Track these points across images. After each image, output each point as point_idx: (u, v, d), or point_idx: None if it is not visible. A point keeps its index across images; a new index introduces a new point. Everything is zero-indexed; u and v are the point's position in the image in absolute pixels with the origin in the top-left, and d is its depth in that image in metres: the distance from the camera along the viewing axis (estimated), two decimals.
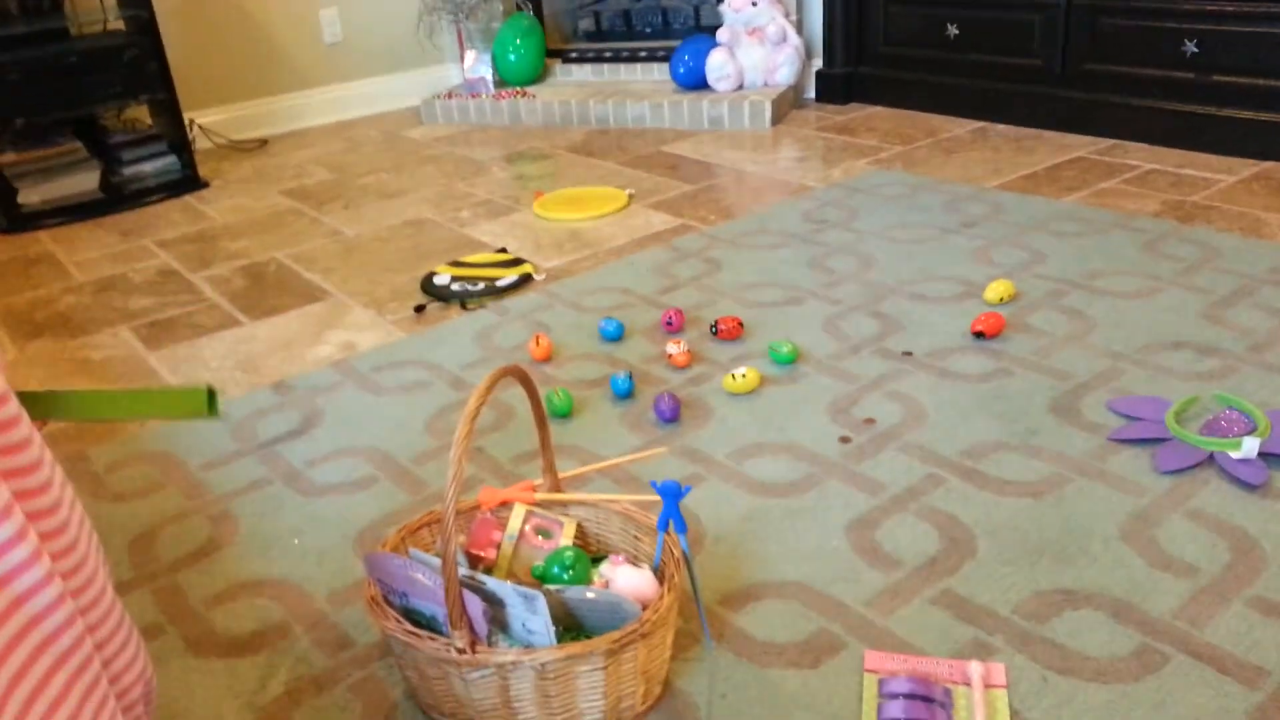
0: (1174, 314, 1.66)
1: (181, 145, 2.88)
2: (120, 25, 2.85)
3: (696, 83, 3.25)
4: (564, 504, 1.10)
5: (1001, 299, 1.73)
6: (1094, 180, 2.33)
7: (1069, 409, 1.42)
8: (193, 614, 1.16)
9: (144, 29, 2.76)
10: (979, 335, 1.62)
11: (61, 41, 2.78)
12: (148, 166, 2.87)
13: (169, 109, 2.85)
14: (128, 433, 1.59)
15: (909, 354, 1.60)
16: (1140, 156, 2.46)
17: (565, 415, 1.52)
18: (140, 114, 3.08)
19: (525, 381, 1.01)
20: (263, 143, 3.41)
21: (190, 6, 3.27)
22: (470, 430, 0.88)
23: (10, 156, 2.76)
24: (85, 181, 2.81)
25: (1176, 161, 2.40)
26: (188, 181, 2.89)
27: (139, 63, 2.76)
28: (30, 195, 2.73)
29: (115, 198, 2.80)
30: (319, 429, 1.55)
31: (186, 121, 2.91)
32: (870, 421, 1.43)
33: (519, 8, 3.59)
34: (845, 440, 1.39)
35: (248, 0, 3.38)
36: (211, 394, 1.25)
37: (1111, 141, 2.58)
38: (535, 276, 2.08)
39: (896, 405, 1.46)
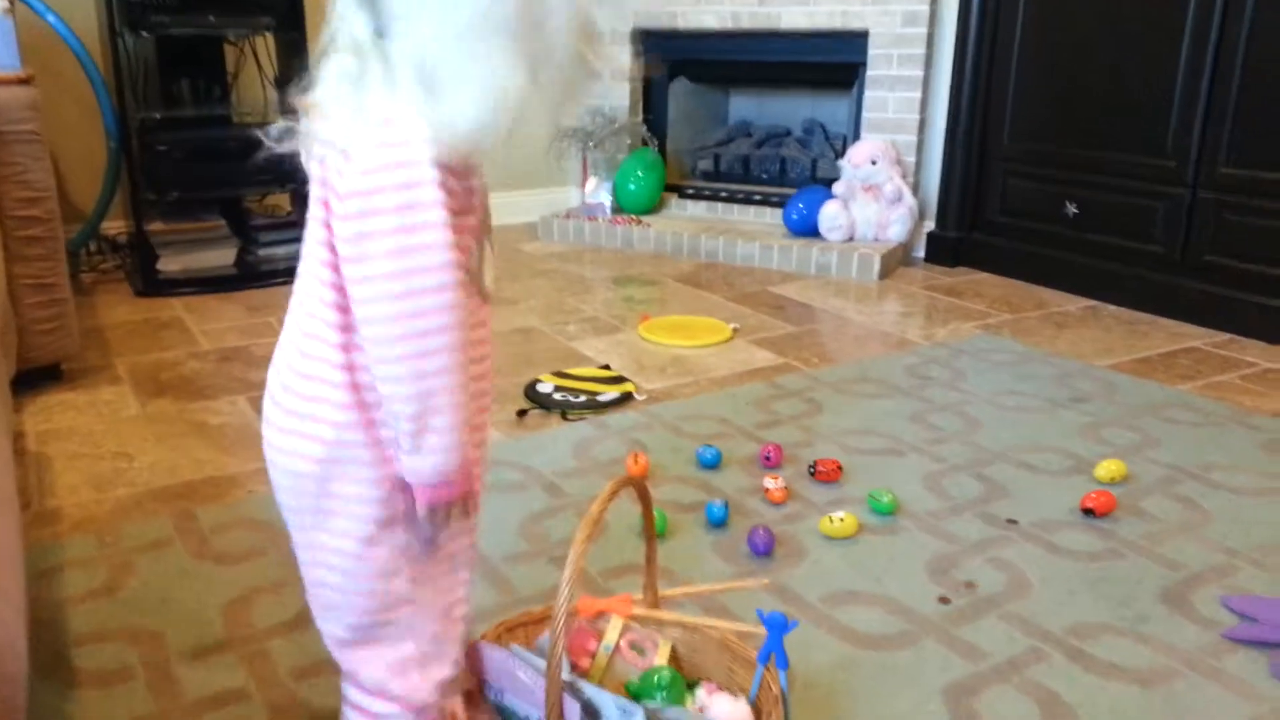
0: None
1: None
2: (277, 120, 3.07)
3: (808, 230, 3.32)
4: (661, 622, 1.09)
5: (1113, 478, 1.69)
6: (1209, 372, 2.29)
7: (1181, 599, 1.37)
8: (279, 684, 1.17)
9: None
10: (1088, 512, 1.58)
11: (224, 127, 3.00)
12: (280, 250, 3.04)
13: (307, 200, 3.03)
14: (234, 498, 1.64)
15: (1014, 522, 1.57)
16: (1258, 354, 2.42)
17: (659, 536, 1.51)
18: (281, 201, 3.28)
19: (644, 496, 1.02)
20: None
21: None
22: (591, 534, 0.89)
23: (158, 226, 2.95)
24: (222, 257, 2.99)
25: None
26: None
27: (289, 155, 2.95)
28: (170, 264, 2.90)
29: (247, 275, 2.96)
30: None
31: None
32: (971, 585, 1.39)
33: (645, 143, 3.76)
34: (944, 601, 1.35)
35: None
36: None
37: (1229, 335, 2.54)
38: (636, 396, 2.11)
39: (999, 573, 1.43)
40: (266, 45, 3.14)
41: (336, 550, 0.84)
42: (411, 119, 0.74)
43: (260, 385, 0.90)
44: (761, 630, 0.97)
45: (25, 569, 1.04)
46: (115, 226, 3.15)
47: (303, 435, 0.82)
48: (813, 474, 1.71)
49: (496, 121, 0.75)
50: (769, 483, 1.65)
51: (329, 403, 0.81)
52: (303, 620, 1.29)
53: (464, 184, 0.78)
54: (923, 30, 3.18)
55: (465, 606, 0.91)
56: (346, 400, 0.80)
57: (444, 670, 0.89)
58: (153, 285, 2.84)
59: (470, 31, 0.73)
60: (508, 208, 3.94)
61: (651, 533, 1.07)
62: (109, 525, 1.54)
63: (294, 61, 2.95)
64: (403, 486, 0.82)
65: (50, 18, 2.79)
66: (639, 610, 1.09)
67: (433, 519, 0.83)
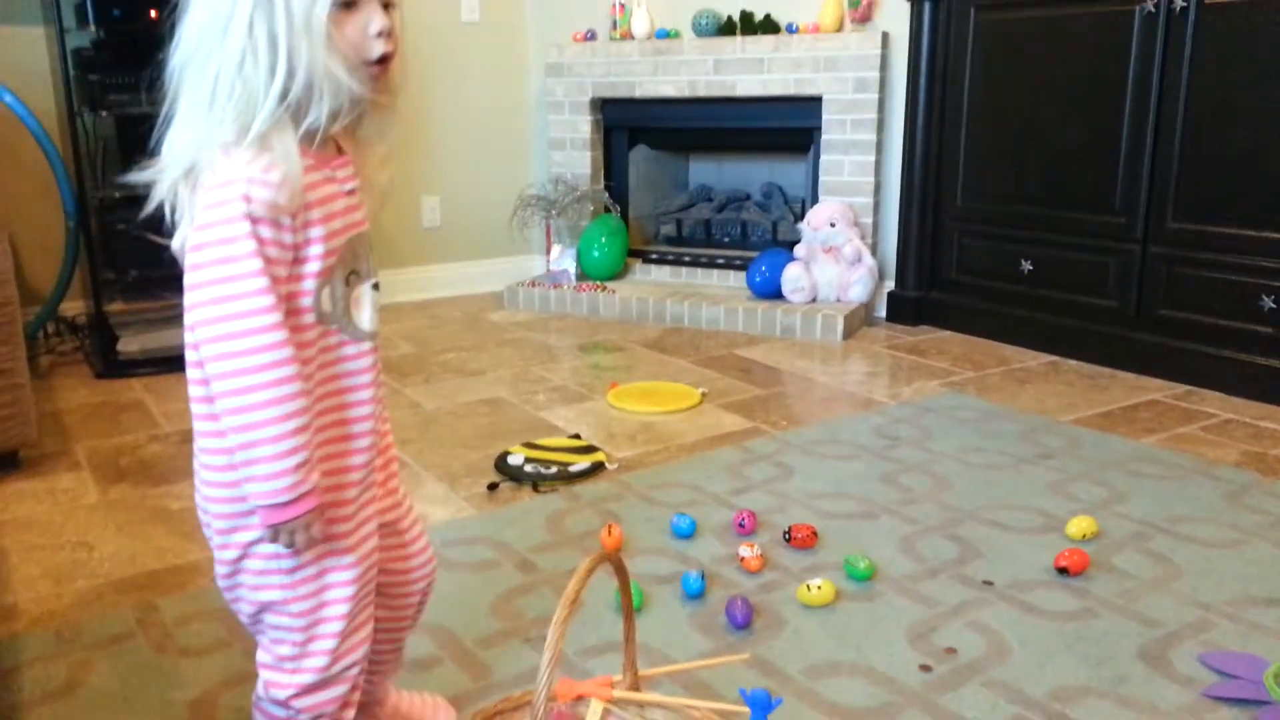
0: (1264, 569, 1.62)
1: None
2: None
3: (771, 292, 3.36)
4: (643, 705, 1.07)
5: (1084, 535, 1.70)
6: (1171, 424, 2.32)
7: (1159, 658, 1.37)
8: None
9: None
10: (1062, 571, 1.58)
11: None
12: None
13: None
14: (198, 586, 1.60)
15: (990, 583, 1.57)
16: (1217, 405, 2.46)
17: (635, 610, 1.49)
18: None
19: (621, 572, 1.01)
20: None
21: None
22: (569, 615, 0.88)
23: (119, 306, 2.91)
24: (182, 335, 2.94)
25: (1255, 413, 2.39)
26: None
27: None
28: (130, 344, 2.86)
29: None
30: None
31: None
32: (951, 651, 1.38)
33: (607, 210, 3.79)
34: (926, 669, 1.34)
35: None
36: None
37: (1187, 387, 2.59)
38: (607, 465, 2.10)
39: (978, 636, 1.42)
40: None
41: (218, 558, 0.96)
42: (231, 175, 0.85)
43: None
44: (745, 709, 0.95)
45: None
46: (73, 307, 3.11)
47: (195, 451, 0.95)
48: (788, 540, 1.71)
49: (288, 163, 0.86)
50: (744, 551, 1.64)
51: (199, 417, 0.93)
52: None
53: (300, 234, 0.88)
54: (874, 96, 3.26)
55: (353, 634, 0.99)
56: (206, 429, 0.92)
57: (307, 678, 0.97)
58: (112, 366, 2.80)
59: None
60: (472, 277, 3.95)
61: (629, 610, 1.06)
62: (68, 620, 1.49)
63: None
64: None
65: (7, 98, 2.78)
66: (619, 693, 1.07)
67: (275, 538, 0.91)
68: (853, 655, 1.38)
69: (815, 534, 1.71)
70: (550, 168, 3.90)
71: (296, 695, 0.97)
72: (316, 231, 0.89)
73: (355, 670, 1.00)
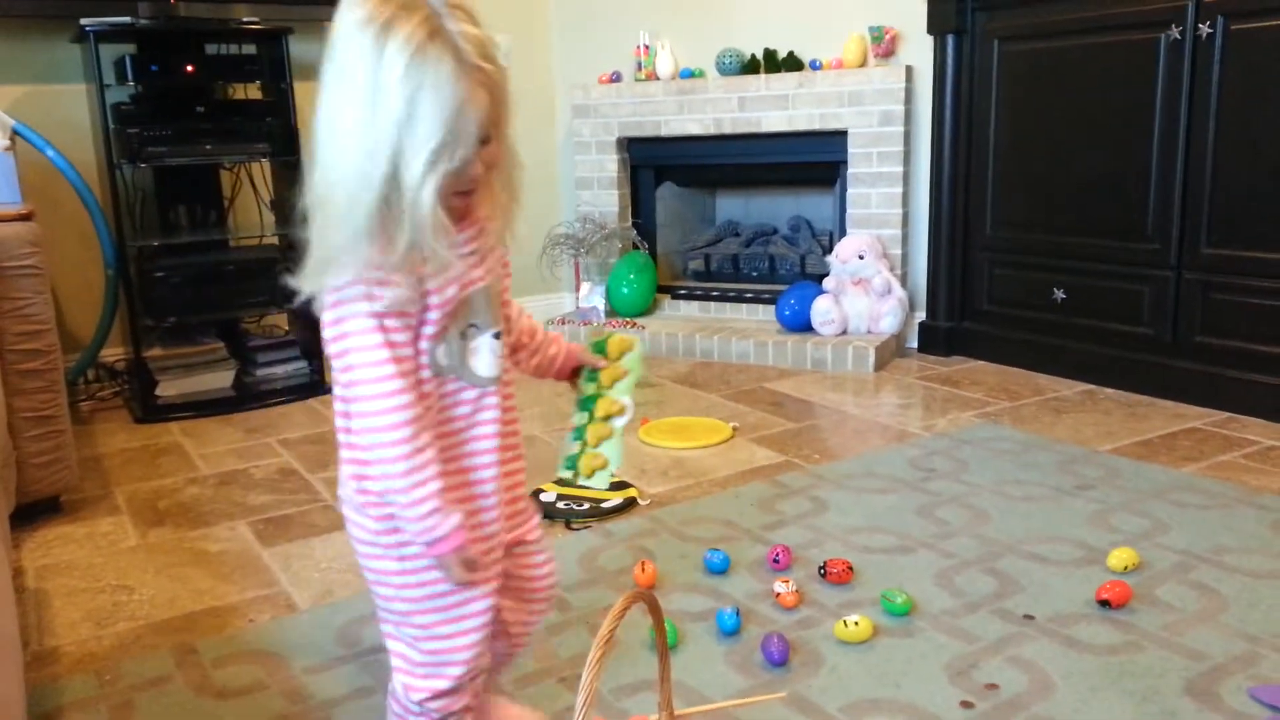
0: None
1: (313, 352, 3.07)
2: (274, 240, 3.12)
3: (801, 326, 3.35)
4: None
5: (1126, 567, 1.67)
6: (1212, 452, 2.28)
7: (1207, 692, 1.34)
8: None
9: (294, 245, 3.00)
10: (1104, 604, 1.55)
11: (221, 251, 3.05)
12: (279, 369, 3.05)
13: (305, 318, 3.05)
14: (235, 628, 1.61)
15: (1030, 617, 1.54)
16: (1259, 432, 2.42)
17: (670, 647, 1.48)
18: (279, 320, 3.31)
19: (655, 610, 1.01)
20: None
21: None
22: (604, 655, 0.87)
23: (157, 351, 2.97)
24: (220, 379, 2.99)
25: None
26: (313, 386, 3.05)
27: (286, 275, 2.98)
28: (168, 389, 2.90)
29: (245, 396, 2.96)
30: None
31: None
32: (993, 687, 1.36)
33: (635, 247, 3.82)
34: (967, 705, 1.32)
35: None
36: None
37: (1227, 414, 2.55)
38: (640, 501, 2.10)
39: (1020, 672, 1.40)
40: (262, 169, 3.22)
41: (373, 570, 1.06)
42: (349, 274, 0.95)
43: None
44: None
45: (25, 715, 1.01)
46: (113, 354, 3.17)
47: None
48: (823, 575, 1.69)
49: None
50: (779, 586, 1.63)
51: (346, 464, 1.05)
52: None
53: (420, 303, 0.98)
54: (899, 129, 3.27)
55: (472, 649, 1.07)
56: (351, 472, 1.04)
57: (439, 684, 1.07)
58: (151, 411, 2.84)
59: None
60: None
61: (664, 649, 1.05)
62: (109, 663, 1.51)
63: (289, 184, 3.01)
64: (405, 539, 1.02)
65: (50, 152, 2.85)
66: None
67: (441, 569, 1.01)
68: (892, 692, 1.36)
69: (851, 569, 1.70)
70: (578, 207, 3.94)
71: (431, 698, 1.07)
72: (433, 299, 0.98)
73: (478, 680, 1.11)
